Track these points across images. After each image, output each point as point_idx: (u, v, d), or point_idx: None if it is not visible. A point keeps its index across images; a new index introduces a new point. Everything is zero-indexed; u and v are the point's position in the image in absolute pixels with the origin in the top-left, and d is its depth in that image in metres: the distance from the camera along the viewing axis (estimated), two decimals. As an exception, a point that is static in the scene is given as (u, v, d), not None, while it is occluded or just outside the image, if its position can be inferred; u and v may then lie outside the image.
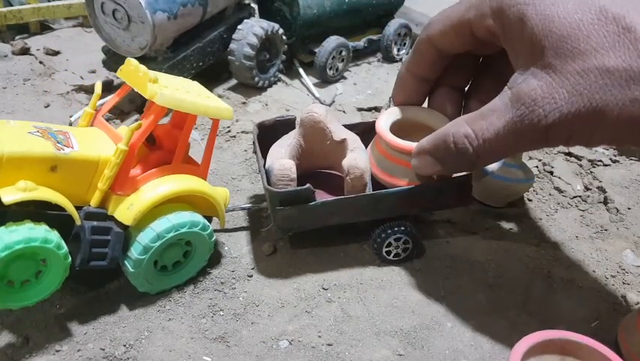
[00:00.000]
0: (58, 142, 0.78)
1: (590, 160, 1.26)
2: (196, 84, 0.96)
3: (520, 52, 0.70)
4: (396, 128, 0.95)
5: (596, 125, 0.63)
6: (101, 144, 0.83)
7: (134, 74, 0.84)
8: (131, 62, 0.85)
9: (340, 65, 1.58)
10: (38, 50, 1.60)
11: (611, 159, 1.27)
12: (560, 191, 1.17)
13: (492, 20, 0.73)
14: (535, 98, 0.65)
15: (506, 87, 0.71)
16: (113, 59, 1.35)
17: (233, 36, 1.43)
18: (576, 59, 0.63)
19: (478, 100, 0.89)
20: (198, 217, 0.87)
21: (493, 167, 1.07)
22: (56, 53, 1.61)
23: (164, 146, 0.91)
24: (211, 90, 0.98)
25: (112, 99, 0.92)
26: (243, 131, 1.32)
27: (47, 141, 0.77)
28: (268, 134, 1.04)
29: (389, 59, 1.72)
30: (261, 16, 1.60)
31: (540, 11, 0.66)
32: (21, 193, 0.72)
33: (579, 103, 0.62)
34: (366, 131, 1.04)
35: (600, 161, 1.26)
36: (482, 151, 0.73)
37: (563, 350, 0.77)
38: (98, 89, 0.90)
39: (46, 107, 1.35)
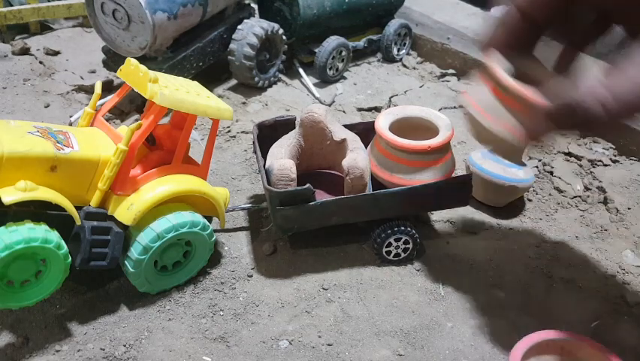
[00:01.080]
0: (58, 142, 0.78)
1: (590, 160, 1.26)
2: (196, 84, 0.96)
3: None
4: (396, 128, 0.95)
5: None
6: (101, 144, 0.83)
7: (134, 74, 0.84)
8: (131, 62, 0.85)
9: (340, 65, 1.58)
10: (38, 50, 1.60)
11: (611, 159, 1.27)
12: (560, 191, 1.17)
13: None
14: None
15: None
16: (113, 59, 1.35)
17: (233, 36, 1.43)
18: None
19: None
20: (198, 217, 0.87)
21: (492, 167, 1.07)
22: (56, 53, 1.61)
23: (164, 146, 0.91)
24: (211, 90, 0.98)
25: (112, 99, 0.92)
26: (243, 131, 1.32)
27: (47, 141, 0.77)
28: (268, 134, 1.04)
29: (389, 59, 1.71)
30: (261, 16, 1.60)
31: None
32: (21, 193, 0.72)
33: None
34: (366, 132, 1.04)
35: (600, 161, 1.26)
36: (617, 112, 0.60)
37: (562, 350, 0.77)
38: (98, 89, 0.90)
39: (46, 107, 1.35)
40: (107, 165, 0.79)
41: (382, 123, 0.95)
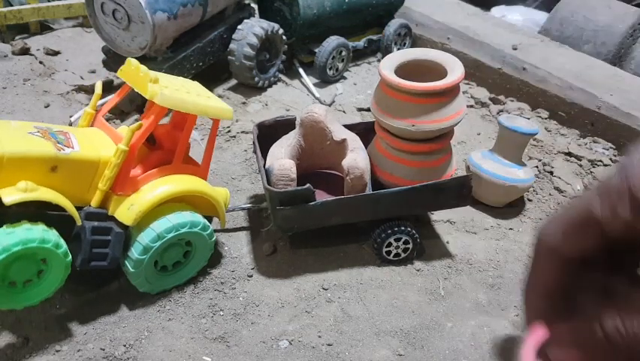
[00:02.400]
0: (58, 142, 0.78)
1: (590, 160, 1.26)
2: (196, 84, 0.96)
3: None
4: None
5: None
6: (101, 144, 0.83)
7: (134, 74, 0.84)
8: (132, 62, 0.85)
9: (340, 65, 1.58)
10: (38, 50, 1.60)
11: (611, 159, 1.27)
12: (560, 191, 1.18)
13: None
14: None
15: None
16: (113, 59, 1.35)
17: (233, 36, 1.43)
18: None
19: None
20: (199, 217, 0.87)
21: (492, 167, 1.07)
22: (56, 53, 1.61)
23: (164, 146, 0.91)
24: (211, 90, 0.98)
25: (112, 99, 0.92)
26: (242, 131, 1.32)
27: (48, 142, 0.77)
28: (268, 134, 1.04)
29: (389, 59, 1.71)
30: (261, 16, 1.60)
31: None
32: (21, 194, 0.72)
33: None
34: (366, 132, 1.04)
35: (600, 161, 1.26)
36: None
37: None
38: (99, 89, 0.90)
39: (46, 107, 1.35)
40: (108, 166, 0.79)
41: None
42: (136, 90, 0.84)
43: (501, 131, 1.08)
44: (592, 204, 0.48)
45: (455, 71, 0.89)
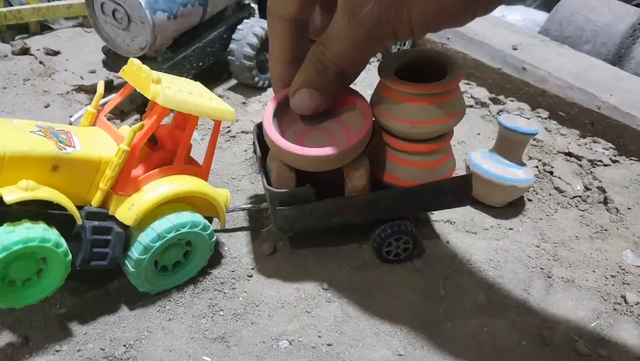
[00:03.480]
0: (60, 142, 0.78)
1: (590, 160, 1.26)
2: (198, 85, 0.96)
3: None
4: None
5: (407, 14, 0.64)
6: (103, 143, 0.83)
7: (136, 74, 0.84)
8: (134, 62, 0.85)
9: (340, 65, 1.58)
10: (38, 50, 1.60)
11: (611, 159, 1.27)
12: (560, 191, 1.18)
13: None
14: (354, 5, 0.67)
15: None
16: (113, 59, 1.35)
17: (233, 36, 1.43)
18: None
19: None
20: (199, 218, 0.87)
21: (492, 167, 1.07)
22: (56, 53, 1.61)
23: (165, 146, 0.91)
24: (211, 90, 0.98)
25: (114, 99, 0.92)
26: (242, 131, 1.32)
27: (49, 141, 0.77)
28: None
29: (389, 59, 1.71)
30: (261, 16, 1.60)
31: None
32: (23, 193, 0.72)
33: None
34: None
35: (600, 161, 1.26)
36: (340, 61, 0.76)
37: None
38: (101, 88, 0.90)
39: (46, 107, 1.35)
40: (109, 165, 0.79)
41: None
42: (138, 90, 0.84)
43: (501, 132, 1.08)
44: None
45: (454, 71, 0.89)
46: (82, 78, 1.49)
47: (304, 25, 0.85)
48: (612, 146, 1.32)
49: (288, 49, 0.85)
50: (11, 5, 1.71)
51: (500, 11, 2.01)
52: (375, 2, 0.65)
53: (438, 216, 1.09)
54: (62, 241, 0.76)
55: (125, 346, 0.81)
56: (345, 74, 0.79)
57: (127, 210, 0.81)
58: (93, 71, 1.53)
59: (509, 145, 1.07)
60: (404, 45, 1.73)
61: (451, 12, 0.65)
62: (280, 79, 0.89)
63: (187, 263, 0.91)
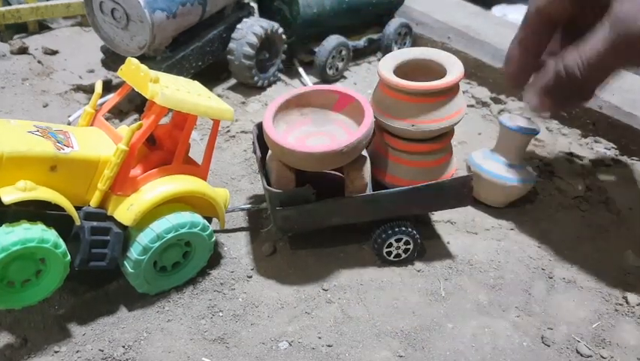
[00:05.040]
0: (58, 142, 0.78)
1: (591, 160, 1.26)
2: (197, 84, 0.95)
3: None
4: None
5: None
6: (101, 143, 0.83)
7: (134, 73, 0.84)
8: (132, 62, 0.85)
9: (340, 65, 1.58)
10: (36, 49, 1.59)
11: (612, 159, 1.27)
12: (561, 191, 1.17)
13: None
14: (627, 15, 0.74)
15: (605, 14, 0.79)
16: (111, 59, 1.35)
17: (233, 35, 1.42)
18: None
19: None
20: (198, 218, 0.87)
21: (493, 167, 1.06)
22: (55, 53, 1.61)
23: (164, 146, 0.90)
24: (210, 90, 0.97)
25: (113, 98, 0.92)
26: (242, 131, 1.31)
27: (47, 141, 0.76)
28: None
29: (389, 58, 1.71)
30: (261, 15, 1.60)
31: None
32: (21, 193, 0.71)
33: None
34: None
35: (602, 161, 1.26)
36: (587, 73, 0.81)
37: (299, 102, 0.92)
38: (99, 88, 0.90)
39: (44, 106, 1.34)
40: (107, 165, 0.79)
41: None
42: (136, 90, 0.83)
43: (502, 131, 1.07)
44: None
45: (454, 70, 0.88)
46: (80, 78, 1.48)
47: (554, 23, 0.91)
48: (614, 146, 1.31)
49: (533, 38, 0.92)
50: (9, 4, 1.71)
51: (501, 10, 2.00)
52: None
53: (438, 217, 1.09)
54: (61, 241, 0.76)
55: (123, 347, 0.80)
56: (583, 87, 0.84)
57: (126, 211, 0.80)
58: (92, 71, 1.52)
59: (510, 145, 1.07)
60: (404, 44, 1.73)
61: None
62: (516, 64, 0.96)
63: (186, 264, 0.90)
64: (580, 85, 0.83)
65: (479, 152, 1.12)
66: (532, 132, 1.05)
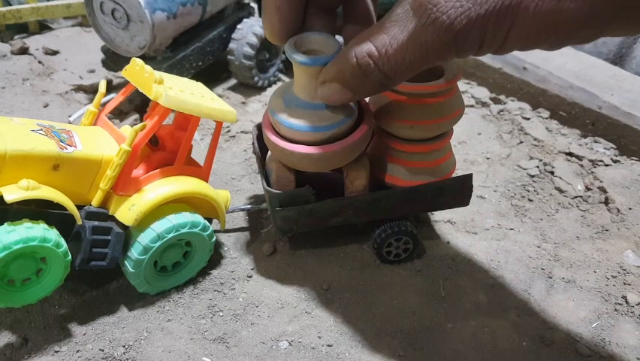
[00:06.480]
0: (61, 141, 0.78)
1: (591, 160, 1.26)
2: (200, 85, 0.95)
3: None
4: None
5: (509, 25, 0.55)
6: (104, 143, 0.83)
7: (139, 74, 0.84)
8: (137, 62, 0.85)
9: (340, 65, 1.58)
10: (37, 49, 1.60)
11: (612, 159, 1.27)
12: (561, 191, 1.17)
13: None
14: (437, 4, 0.57)
15: None
16: (112, 59, 1.35)
17: (233, 35, 1.42)
18: None
19: (357, 24, 0.81)
20: (199, 218, 0.87)
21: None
22: (55, 53, 1.61)
23: (166, 147, 0.91)
24: (210, 90, 0.97)
25: (116, 98, 0.92)
26: (242, 131, 1.31)
27: (51, 140, 0.77)
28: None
29: (389, 58, 1.71)
30: (261, 15, 1.60)
31: None
32: (23, 192, 0.72)
33: (490, 3, 0.54)
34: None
35: (601, 161, 1.26)
36: (389, 69, 0.66)
37: None
38: (102, 87, 0.90)
39: (45, 106, 1.34)
40: (110, 165, 0.79)
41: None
42: (140, 90, 0.83)
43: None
44: None
45: (452, 70, 0.88)
46: (81, 78, 1.48)
47: None
48: (613, 146, 1.31)
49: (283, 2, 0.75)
50: (10, 5, 1.71)
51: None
52: (473, 6, 0.55)
53: (438, 217, 1.09)
54: (62, 241, 0.76)
55: (124, 347, 0.81)
56: (388, 83, 0.69)
57: (127, 211, 0.81)
58: (92, 71, 1.52)
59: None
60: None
61: (562, 35, 0.55)
62: (276, 31, 0.78)
63: (186, 264, 0.90)
64: (380, 81, 0.68)
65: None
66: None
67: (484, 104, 1.49)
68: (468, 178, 0.94)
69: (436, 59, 0.62)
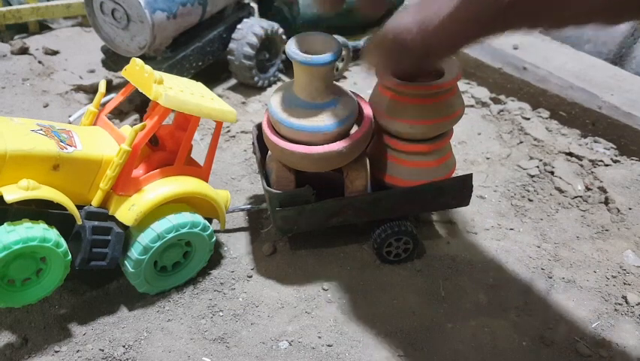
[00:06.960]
0: (61, 141, 0.78)
1: (591, 160, 1.26)
2: (200, 85, 0.95)
3: None
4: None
5: None
6: (104, 143, 0.83)
7: (139, 74, 0.84)
8: (137, 62, 0.85)
9: (340, 65, 1.58)
10: (37, 49, 1.60)
11: (612, 159, 1.27)
12: (561, 191, 1.17)
13: None
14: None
15: None
16: (112, 59, 1.35)
17: (233, 35, 1.42)
18: None
19: None
20: (199, 218, 0.87)
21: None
22: (55, 53, 1.61)
23: (166, 147, 0.91)
24: (210, 90, 0.97)
25: (116, 98, 0.92)
26: (242, 131, 1.31)
27: (51, 140, 0.77)
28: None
29: (389, 58, 1.71)
30: (261, 15, 1.60)
31: None
32: (23, 192, 0.72)
33: None
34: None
35: (601, 161, 1.26)
36: (430, 44, 0.62)
37: None
38: (102, 87, 0.90)
39: (45, 107, 1.34)
40: (110, 165, 0.79)
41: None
42: (140, 91, 0.83)
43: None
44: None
45: (452, 70, 0.88)
46: (81, 78, 1.48)
47: None
48: (613, 146, 1.31)
49: None
50: (10, 5, 1.71)
51: None
52: None
53: (438, 217, 1.09)
54: (62, 241, 0.76)
55: (124, 347, 0.81)
56: (426, 56, 0.64)
57: (127, 211, 0.81)
58: (92, 71, 1.52)
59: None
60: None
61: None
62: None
63: (186, 264, 0.90)
64: (418, 55, 0.64)
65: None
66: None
67: (484, 104, 1.49)
68: (468, 178, 0.94)
69: (479, 32, 0.59)
